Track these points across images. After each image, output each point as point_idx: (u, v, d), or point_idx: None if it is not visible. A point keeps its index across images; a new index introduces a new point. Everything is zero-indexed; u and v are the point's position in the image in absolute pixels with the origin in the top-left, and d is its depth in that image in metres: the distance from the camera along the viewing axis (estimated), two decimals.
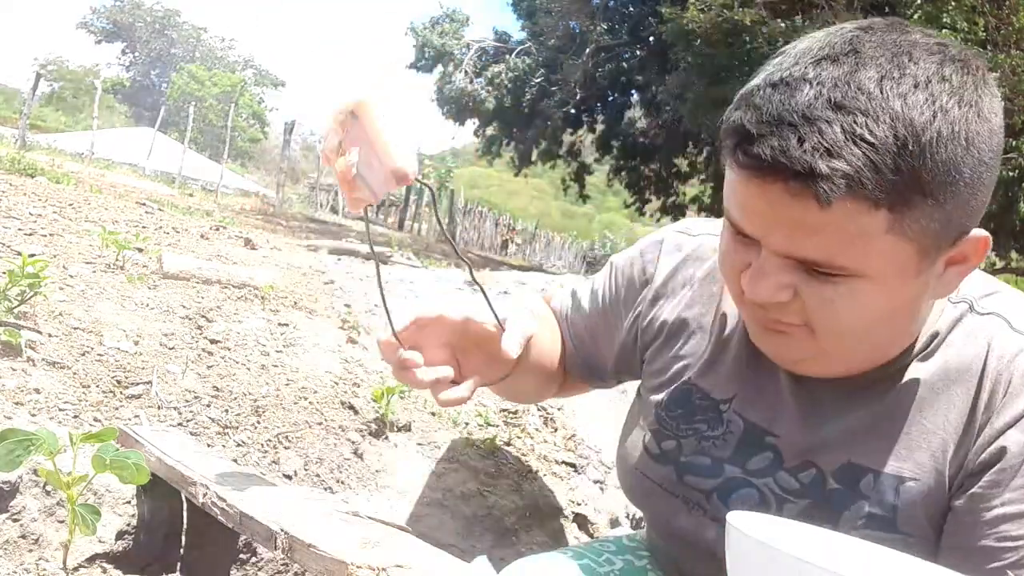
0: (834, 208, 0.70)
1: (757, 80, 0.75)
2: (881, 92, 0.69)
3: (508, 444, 1.95)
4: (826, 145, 0.68)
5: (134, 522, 1.39)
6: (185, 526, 1.35)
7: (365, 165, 0.76)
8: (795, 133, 0.69)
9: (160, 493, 1.29)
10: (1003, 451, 0.80)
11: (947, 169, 0.70)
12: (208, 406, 1.70)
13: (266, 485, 1.19)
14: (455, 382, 0.94)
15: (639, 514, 2.13)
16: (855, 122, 0.68)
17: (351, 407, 1.88)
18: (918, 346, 0.86)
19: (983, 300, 0.87)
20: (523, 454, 1.95)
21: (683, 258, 1.03)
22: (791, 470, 0.90)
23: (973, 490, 0.82)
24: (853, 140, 0.68)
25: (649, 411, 1.01)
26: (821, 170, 0.68)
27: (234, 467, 1.31)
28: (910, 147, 0.68)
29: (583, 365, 1.15)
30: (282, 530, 0.96)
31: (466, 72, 17.73)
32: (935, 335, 0.86)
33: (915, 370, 0.86)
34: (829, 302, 0.76)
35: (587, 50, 15.14)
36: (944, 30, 8.21)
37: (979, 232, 0.77)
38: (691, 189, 16.55)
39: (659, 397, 1.00)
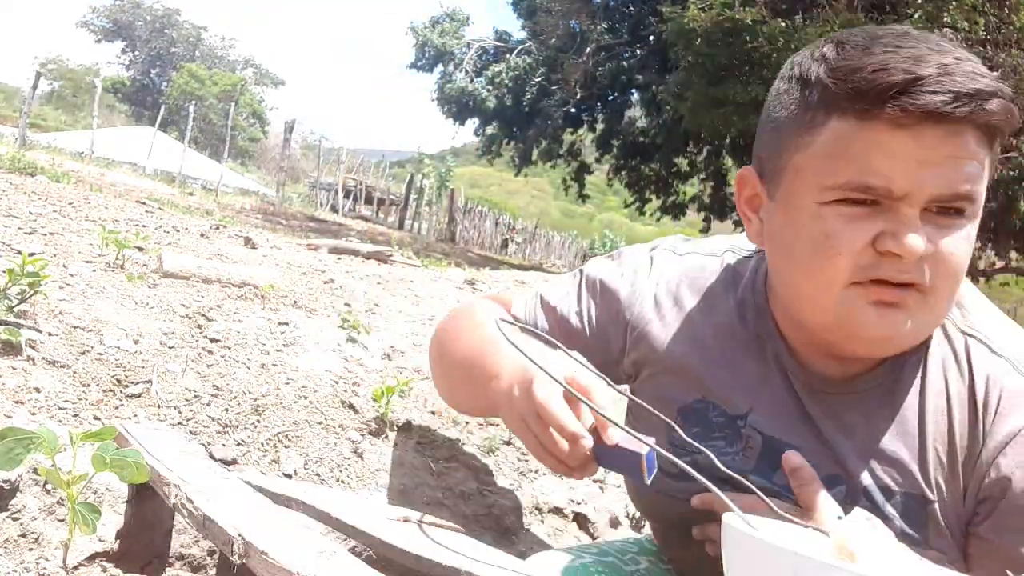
0: (980, 141, 0.77)
1: (834, 53, 0.82)
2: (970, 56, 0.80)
3: (508, 443, 1.95)
4: (978, 72, 0.76)
5: (133, 521, 1.39)
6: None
7: None
8: (948, 65, 0.77)
9: (153, 492, 1.29)
10: (1006, 482, 0.82)
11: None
12: (208, 405, 1.71)
13: (240, 489, 1.17)
14: None
15: (639, 514, 2.13)
16: (979, 64, 0.78)
17: (351, 406, 1.88)
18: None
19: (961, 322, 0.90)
20: (523, 453, 1.95)
21: (670, 277, 1.02)
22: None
23: (992, 518, 0.84)
24: (988, 73, 0.78)
25: (660, 430, 0.95)
26: (984, 89, 0.76)
27: (219, 468, 1.30)
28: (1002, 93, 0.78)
29: None
30: (239, 535, 0.93)
31: (466, 71, 17.73)
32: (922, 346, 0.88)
33: (910, 376, 0.88)
34: (954, 247, 0.81)
35: (587, 49, 15.12)
36: (945, 29, 8.20)
37: None
38: (691, 188, 16.54)
39: (671, 415, 0.97)
